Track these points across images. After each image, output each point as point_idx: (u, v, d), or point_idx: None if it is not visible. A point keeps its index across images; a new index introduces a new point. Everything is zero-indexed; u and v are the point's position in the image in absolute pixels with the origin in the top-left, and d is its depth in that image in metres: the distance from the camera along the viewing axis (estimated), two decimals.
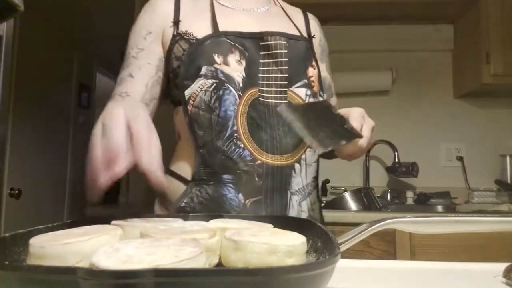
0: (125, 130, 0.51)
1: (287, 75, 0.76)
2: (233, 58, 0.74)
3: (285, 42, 0.76)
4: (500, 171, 1.97)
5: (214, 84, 0.72)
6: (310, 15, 0.94)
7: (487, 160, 2.03)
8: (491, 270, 0.54)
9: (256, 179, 0.72)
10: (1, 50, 1.29)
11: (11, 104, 2.10)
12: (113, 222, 0.48)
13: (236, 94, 0.73)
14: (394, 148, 1.89)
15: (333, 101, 0.95)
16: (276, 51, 0.76)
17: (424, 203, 1.88)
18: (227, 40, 0.74)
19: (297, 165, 0.75)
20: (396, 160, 1.89)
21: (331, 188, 2.00)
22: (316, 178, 0.82)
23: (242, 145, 0.72)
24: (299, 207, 0.76)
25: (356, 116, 0.69)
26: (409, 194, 1.93)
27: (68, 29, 2.73)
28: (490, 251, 1.32)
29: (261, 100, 0.74)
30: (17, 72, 2.13)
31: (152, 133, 0.54)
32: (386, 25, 2.08)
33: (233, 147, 0.72)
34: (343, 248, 0.46)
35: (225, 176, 0.73)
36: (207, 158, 0.73)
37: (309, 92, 0.79)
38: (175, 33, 0.78)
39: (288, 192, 0.75)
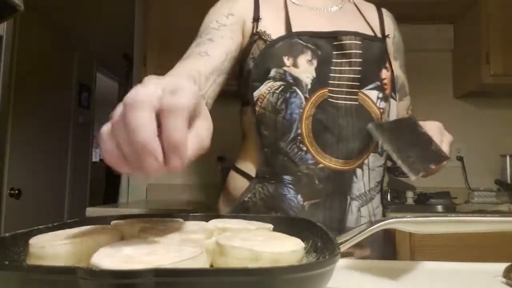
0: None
1: (359, 76, 0.75)
2: (304, 58, 0.73)
3: (360, 42, 0.75)
4: (500, 171, 1.97)
5: (282, 87, 0.72)
6: (384, 12, 0.91)
7: (487, 160, 2.03)
8: (491, 270, 0.54)
9: (316, 182, 0.72)
10: (1, 50, 1.29)
11: (11, 104, 2.10)
12: (113, 222, 0.48)
13: (302, 96, 0.72)
14: None
15: (407, 101, 0.92)
16: (350, 51, 0.74)
17: (424, 203, 1.88)
18: (299, 41, 0.74)
19: (358, 170, 0.75)
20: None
21: None
22: (380, 182, 0.81)
23: (304, 148, 0.72)
24: (358, 212, 0.75)
25: (436, 132, 0.72)
26: (409, 194, 1.93)
27: (68, 29, 2.73)
28: (490, 251, 1.32)
29: (330, 101, 0.73)
30: (17, 72, 2.13)
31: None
32: None
33: (296, 150, 0.72)
34: (343, 248, 0.46)
35: (286, 177, 0.74)
36: (270, 158, 0.75)
37: (381, 95, 0.76)
38: (254, 31, 0.78)
39: (348, 197, 0.74)
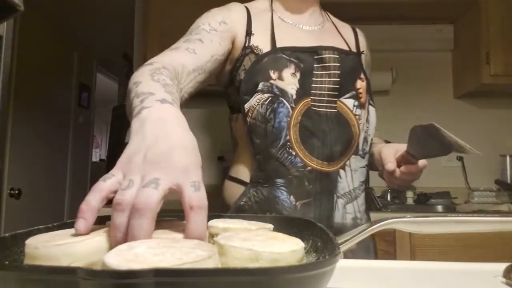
0: None
1: (338, 86, 0.82)
2: (288, 72, 0.81)
3: (337, 56, 0.83)
4: (500, 171, 1.97)
5: (270, 98, 0.79)
6: (359, 31, 1.00)
7: (487, 160, 2.03)
8: (491, 270, 0.54)
9: (306, 183, 0.80)
10: (1, 50, 1.29)
11: (11, 104, 2.10)
12: (108, 222, 0.48)
13: (289, 106, 0.79)
14: None
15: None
16: (329, 64, 0.82)
17: (424, 203, 1.88)
18: (283, 55, 0.81)
19: (342, 171, 0.83)
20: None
21: None
22: (364, 182, 0.88)
23: (294, 153, 0.79)
24: (344, 209, 0.83)
25: (391, 153, 0.83)
26: (409, 194, 1.93)
27: (68, 29, 2.73)
28: (490, 251, 1.32)
29: (313, 109, 0.81)
30: (17, 72, 2.13)
31: None
32: (386, 25, 2.08)
33: (286, 155, 0.80)
34: (343, 248, 0.46)
35: (279, 180, 0.80)
36: (263, 163, 0.82)
37: (356, 103, 0.85)
38: (246, 44, 0.84)
39: (334, 195, 0.82)
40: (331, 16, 1.00)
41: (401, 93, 2.09)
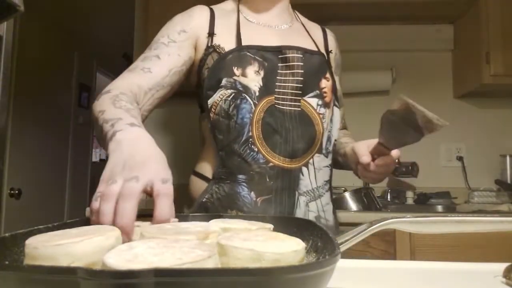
0: None
1: (301, 85, 0.83)
2: (252, 69, 0.81)
3: (301, 56, 0.84)
4: (500, 171, 1.97)
5: (233, 94, 0.80)
6: (328, 31, 1.00)
7: (487, 160, 2.03)
8: (491, 270, 0.54)
9: (267, 179, 0.80)
10: (1, 50, 1.29)
11: (11, 104, 2.10)
12: None
13: (252, 102, 0.80)
14: None
15: (342, 109, 1.01)
16: (293, 63, 0.83)
17: (424, 203, 1.88)
18: (248, 53, 0.82)
19: (304, 169, 0.83)
20: (396, 160, 1.88)
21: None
22: (328, 182, 0.89)
23: (256, 149, 0.80)
24: (306, 207, 0.83)
25: (364, 146, 0.82)
26: (409, 194, 1.93)
27: (68, 29, 2.73)
28: (490, 251, 1.32)
29: (277, 106, 0.82)
30: (17, 72, 2.13)
31: None
32: (386, 25, 2.08)
33: (248, 151, 0.80)
34: (343, 248, 0.46)
35: (240, 176, 0.81)
36: (226, 159, 0.82)
37: (320, 102, 0.85)
38: (209, 44, 0.86)
39: (296, 192, 0.82)
40: (300, 16, 1.00)
41: (401, 93, 2.09)
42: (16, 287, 0.28)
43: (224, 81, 0.80)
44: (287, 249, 0.35)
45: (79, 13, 2.65)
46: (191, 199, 0.90)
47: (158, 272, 0.26)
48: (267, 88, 0.81)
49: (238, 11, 0.91)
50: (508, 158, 1.94)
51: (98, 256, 0.34)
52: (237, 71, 0.80)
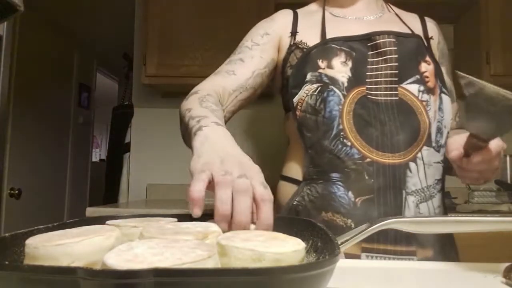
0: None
1: (397, 71, 0.76)
2: (338, 60, 0.77)
3: (394, 40, 0.77)
4: (500, 171, 1.97)
5: (319, 88, 0.75)
6: (428, 19, 0.93)
7: None
8: (491, 270, 0.54)
9: (366, 177, 0.72)
10: (1, 50, 1.29)
11: (11, 104, 2.10)
12: (108, 222, 0.48)
13: (340, 94, 0.74)
14: None
15: (454, 106, 0.88)
16: (385, 49, 0.77)
17: None
18: (333, 45, 0.78)
19: (412, 164, 0.73)
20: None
21: None
22: (441, 181, 0.80)
23: (349, 143, 0.73)
24: (416, 208, 0.73)
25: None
26: None
27: (68, 29, 2.73)
28: (490, 251, 1.32)
29: (369, 97, 0.75)
30: (17, 72, 2.13)
31: None
32: None
33: (340, 146, 0.73)
34: (343, 248, 0.46)
35: (334, 175, 0.74)
36: (316, 158, 0.76)
37: (422, 88, 0.76)
38: (291, 43, 0.84)
39: (403, 191, 0.72)
40: (394, 7, 0.93)
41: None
42: (16, 287, 0.28)
43: (309, 76, 0.76)
44: (287, 249, 0.35)
45: (79, 13, 2.65)
46: (279, 205, 0.83)
47: (158, 272, 0.26)
48: (357, 78, 0.75)
49: (324, 9, 0.88)
50: (508, 158, 1.94)
51: (98, 256, 0.34)
52: (322, 63, 0.76)
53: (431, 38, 0.88)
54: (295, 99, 0.78)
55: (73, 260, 0.34)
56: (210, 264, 0.31)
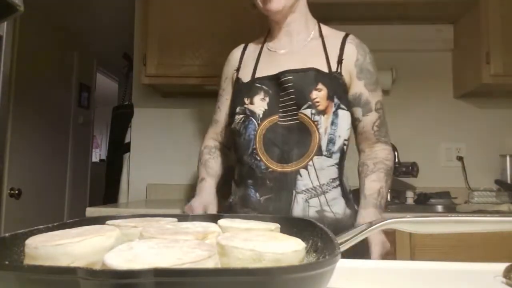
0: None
1: (295, 101, 0.98)
2: (258, 97, 1.01)
3: (291, 77, 0.98)
4: (500, 171, 1.97)
5: (243, 118, 1.02)
6: (349, 39, 1.06)
7: (487, 160, 2.03)
8: (491, 270, 0.54)
9: (268, 182, 0.98)
10: (1, 50, 1.29)
11: (11, 104, 2.10)
12: (108, 222, 0.48)
13: (256, 123, 1.00)
14: (394, 148, 1.88)
15: (372, 116, 1.04)
16: (287, 85, 0.98)
17: (424, 203, 1.88)
18: (257, 84, 1.02)
19: (303, 171, 0.97)
20: (396, 160, 1.88)
21: None
22: (337, 179, 1.00)
23: (259, 158, 0.99)
24: (305, 203, 0.96)
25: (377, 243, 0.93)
26: (409, 194, 1.93)
27: (68, 29, 2.73)
28: (490, 251, 1.32)
29: (279, 123, 0.99)
30: (17, 72, 2.13)
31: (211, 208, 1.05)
32: (386, 25, 2.08)
33: (253, 160, 1.00)
34: (343, 248, 0.46)
35: (249, 181, 1.01)
36: (240, 168, 1.05)
37: (313, 111, 0.97)
38: (234, 78, 1.11)
39: (293, 191, 0.96)
40: (324, 28, 1.08)
41: (401, 93, 2.09)
42: (16, 287, 0.28)
43: (238, 109, 1.03)
44: (287, 249, 0.35)
45: (79, 13, 2.65)
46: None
47: (158, 272, 0.26)
48: (271, 110, 1.00)
49: (263, 44, 1.11)
50: (508, 158, 1.94)
51: (98, 256, 0.34)
52: (247, 100, 1.02)
53: (342, 59, 1.02)
54: (233, 125, 1.05)
55: (73, 260, 0.34)
56: (210, 264, 0.31)
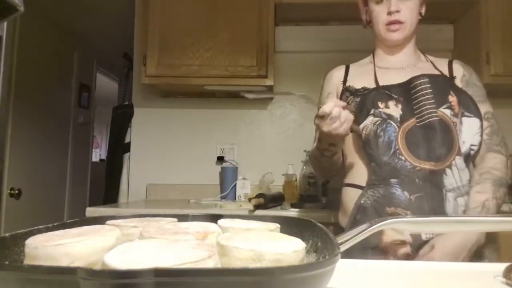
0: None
1: (433, 100, 1.00)
2: (392, 103, 1.03)
3: (427, 79, 1.02)
4: None
5: (379, 121, 1.01)
6: (455, 61, 1.14)
7: None
8: (491, 270, 0.54)
9: (417, 180, 0.95)
10: (1, 50, 1.29)
11: (11, 104, 2.10)
12: (108, 222, 0.48)
13: (395, 125, 1.00)
14: None
15: (479, 123, 1.06)
16: (421, 87, 1.01)
17: None
18: (387, 92, 1.04)
19: (448, 170, 0.95)
20: None
21: (331, 188, 1.99)
22: (469, 181, 0.98)
23: (403, 158, 0.97)
24: (455, 201, 0.95)
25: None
26: None
27: (68, 29, 2.73)
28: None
29: (418, 125, 0.99)
30: (17, 72, 2.13)
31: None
32: None
33: (397, 160, 0.98)
34: (343, 248, 0.46)
35: (393, 180, 0.97)
36: (377, 169, 1.00)
37: (452, 113, 1.00)
38: (343, 88, 1.14)
39: (443, 189, 0.94)
40: (429, 56, 1.17)
41: None
42: (16, 287, 0.28)
43: (372, 111, 1.03)
44: (287, 249, 0.35)
45: (79, 13, 2.65)
46: (344, 207, 1.09)
47: (158, 272, 0.26)
48: (407, 115, 1.00)
49: (374, 63, 1.16)
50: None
51: (98, 256, 0.34)
52: (381, 104, 1.03)
53: (455, 77, 1.09)
54: (361, 125, 1.03)
55: (73, 260, 0.34)
56: (210, 264, 0.31)
